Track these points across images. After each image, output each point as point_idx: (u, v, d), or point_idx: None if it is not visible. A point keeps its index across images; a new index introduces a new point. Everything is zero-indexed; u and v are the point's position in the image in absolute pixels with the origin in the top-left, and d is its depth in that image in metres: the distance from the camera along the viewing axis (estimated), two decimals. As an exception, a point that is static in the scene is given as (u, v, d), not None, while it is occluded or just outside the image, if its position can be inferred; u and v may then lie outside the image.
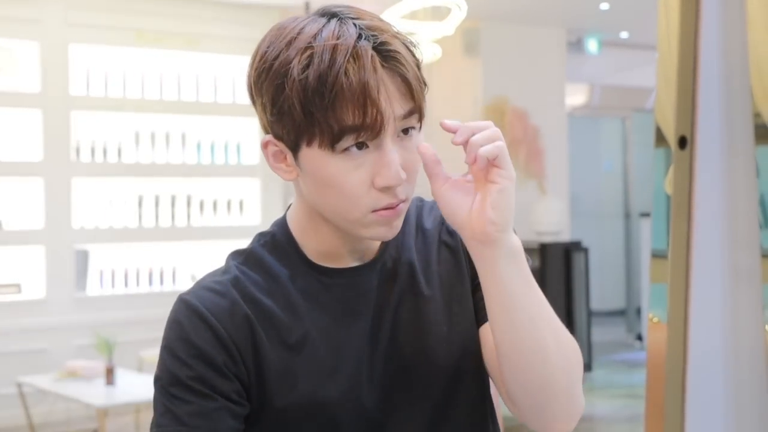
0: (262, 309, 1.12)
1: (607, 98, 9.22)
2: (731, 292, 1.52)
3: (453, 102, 7.35)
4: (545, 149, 7.56)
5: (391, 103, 1.03)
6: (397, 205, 1.07)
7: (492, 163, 1.00)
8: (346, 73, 1.00)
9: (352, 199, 1.06)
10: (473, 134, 1.01)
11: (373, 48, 1.02)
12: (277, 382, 1.11)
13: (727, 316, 1.53)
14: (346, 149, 1.03)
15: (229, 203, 6.65)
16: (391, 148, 1.04)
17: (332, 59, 1.01)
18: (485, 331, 1.17)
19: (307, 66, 1.01)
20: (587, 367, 6.99)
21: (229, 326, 1.10)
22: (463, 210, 1.02)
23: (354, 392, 1.12)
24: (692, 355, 1.53)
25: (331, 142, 1.02)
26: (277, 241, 1.17)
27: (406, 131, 1.07)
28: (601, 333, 8.19)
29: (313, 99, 1.01)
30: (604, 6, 7.14)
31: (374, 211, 1.07)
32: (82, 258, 6.20)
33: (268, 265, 1.15)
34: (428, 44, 5.88)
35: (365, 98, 1.00)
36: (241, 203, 6.69)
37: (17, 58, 6.10)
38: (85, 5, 6.15)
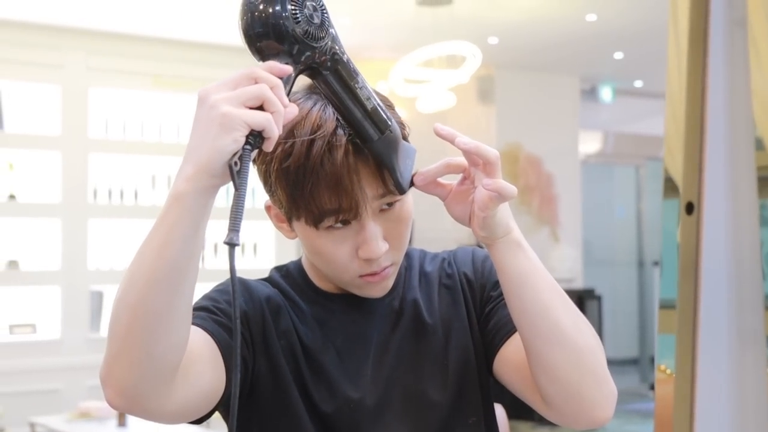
0: (293, 307, 1.22)
1: (620, 146, 9.25)
2: (738, 348, 1.54)
3: (467, 148, 7.38)
4: (558, 196, 7.59)
5: (364, 188, 1.11)
6: (382, 271, 1.16)
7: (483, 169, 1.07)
8: (321, 164, 1.09)
9: (340, 266, 1.15)
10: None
11: (348, 138, 1.10)
12: (281, 373, 1.18)
13: (733, 370, 1.54)
14: (330, 226, 1.12)
15: (243, 246, 6.69)
16: (370, 225, 1.12)
17: (309, 152, 1.09)
18: (507, 351, 1.21)
19: (288, 156, 1.10)
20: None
21: (263, 298, 1.21)
22: (466, 219, 1.12)
23: (349, 408, 1.18)
24: (699, 408, 1.54)
25: (314, 222, 1.12)
26: (290, 271, 1.28)
27: (390, 204, 1.14)
28: (614, 382, 8.11)
29: (294, 187, 1.10)
30: (618, 55, 7.21)
31: (361, 276, 1.16)
32: (97, 299, 6.23)
33: (285, 288, 1.25)
34: (443, 92, 5.94)
35: (338, 188, 1.09)
36: (255, 246, 6.72)
37: (39, 101, 6.20)
38: (105, 51, 6.26)
